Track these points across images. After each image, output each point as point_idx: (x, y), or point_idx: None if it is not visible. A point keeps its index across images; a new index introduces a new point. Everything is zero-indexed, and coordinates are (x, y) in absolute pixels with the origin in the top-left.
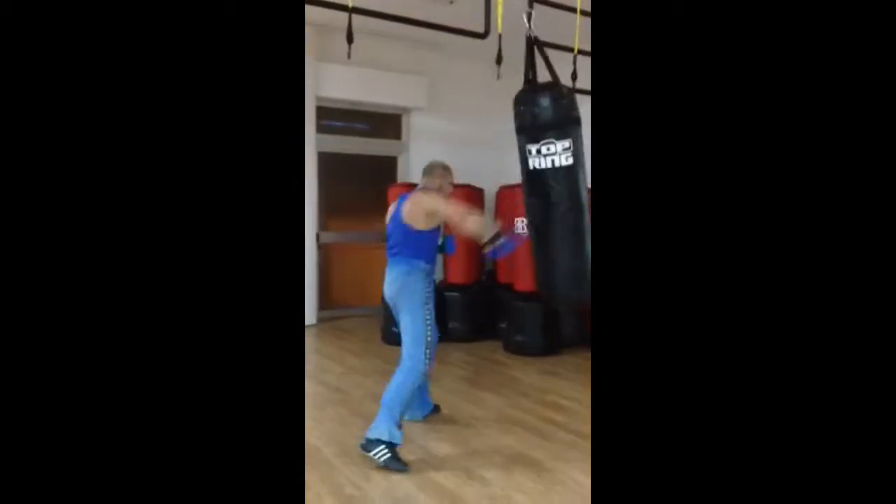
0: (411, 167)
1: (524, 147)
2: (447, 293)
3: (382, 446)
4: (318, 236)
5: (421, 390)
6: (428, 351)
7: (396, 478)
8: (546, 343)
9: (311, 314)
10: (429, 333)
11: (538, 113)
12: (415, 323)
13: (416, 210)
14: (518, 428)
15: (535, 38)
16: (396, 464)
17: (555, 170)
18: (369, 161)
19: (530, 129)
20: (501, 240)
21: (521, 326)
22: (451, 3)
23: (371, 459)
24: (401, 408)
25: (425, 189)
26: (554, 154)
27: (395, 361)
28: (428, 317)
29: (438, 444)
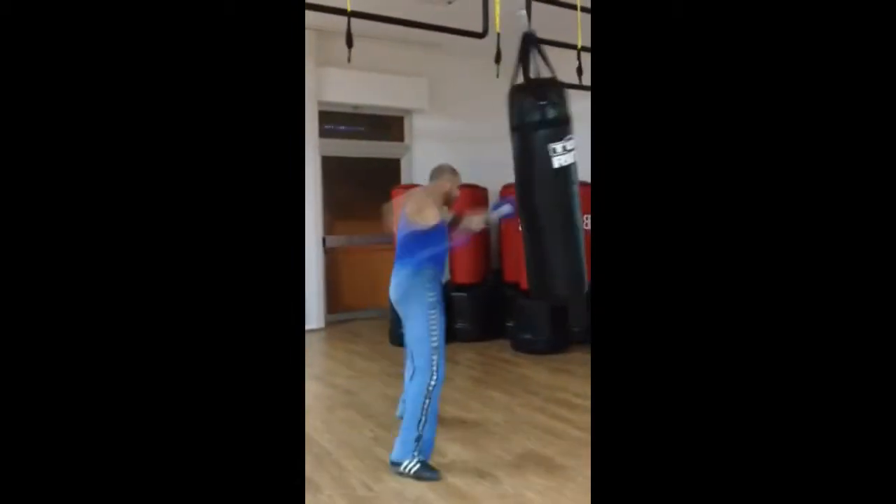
0: (414, 169)
1: (544, 145)
2: (454, 293)
3: (410, 459)
4: (324, 240)
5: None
6: (435, 358)
7: (408, 479)
8: (554, 340)
9: (319, 318)
10: (433, 339)
11: (556, 108)
12: (419, 336)
13: (419, 206)
14: (528, 426)
15: (533, 33)
16: (428, 472)
17: (572, 167)
18: (373, 164)
19: (551, 125)
20: (497, 211)
21: (529, 324)
22: (450, 3)
23: (403, 474)
24: (418, 421)
25: (431, 192)
26: (571, 151)
27: (404, 363)
28: (433, 323)
29: (449, 444)
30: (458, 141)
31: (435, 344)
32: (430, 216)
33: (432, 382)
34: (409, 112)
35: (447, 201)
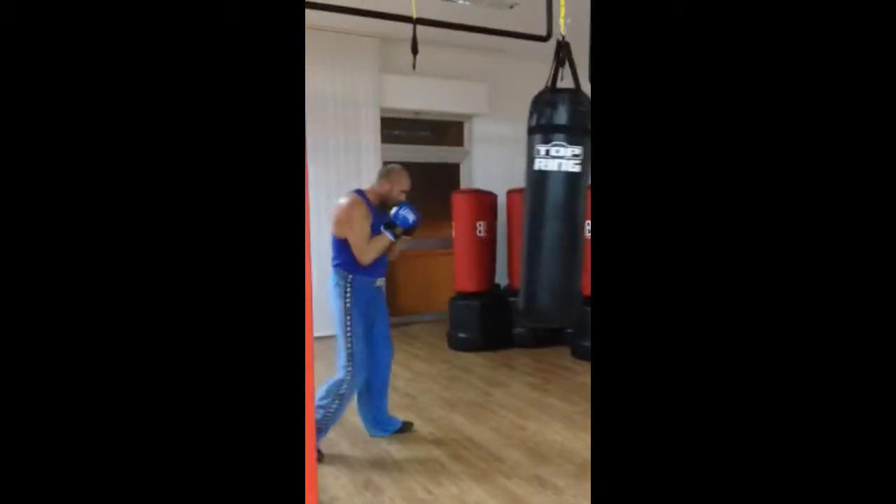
0: (474, 173)
1: (533, 147)
2: (512, 298)
3: None
4: None
5: (378, 408)
6: (351, 365)
7: (467, 484)
8: None
9: None
10: (349, 345)
11: (554, 115)
12: (339, 336)
13: (336, 218)
14: (588, 435)
15: (566, 42)
16: None
17: (560, 174)
18: (432, 168)
19: (544, 130)
20: (393, 213)
21: (589, 331)
22: (511, 7)
23: None
24: (321, 419)
25: (370, 191)
26: (562, 158)
27: (463, 367)
28: (348, 328)
29: (509, 450)
30: (517, 145)
31: (350, 350)
32: (338, 231)
33: (344, 386)
34: (469, 117)
35: (386, 203)
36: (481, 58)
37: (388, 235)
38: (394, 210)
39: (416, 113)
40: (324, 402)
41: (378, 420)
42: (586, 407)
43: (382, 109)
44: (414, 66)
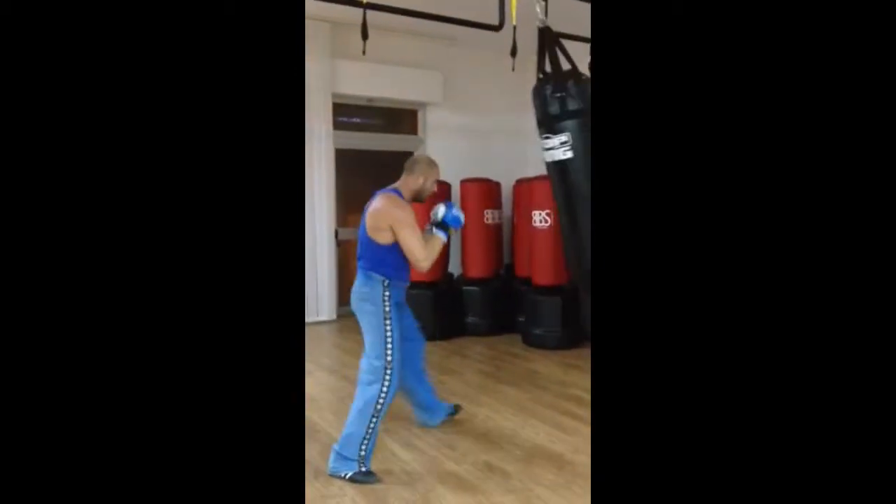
0: None
1: (541, 140)
2: (465, 287)
3: (350, 469)
4: (336, 233)
5: (430, 395)
6: (389, 372)
7: (417, 471)
8: (566, 336)
9: (331, 310)
10: (389, 353)
11: (542, 107)
12: (374, 343)
13: (380, 222)
14: (538, 421)
15: (548, 28)
16: (364, 477)
17: (553, 164)
18: (386, 157)
19: (539, 125)
20: (441, 212)
21: (540, 320)
22: None
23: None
24: (361, 440)
25: (403, 188)
26: (552, 149)
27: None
28: (389, 335)
29: (458, 437)
30: (471, 134)
31: (390, 360)
32: (380, 236)
33: (380, 401)
34: (423, 105)
35: (418, 197)
36: (435, 45)
37: (441, 237)
38: (441, 209)
39: (370, 100)
40: (365, 425)
41: (431, 406)
42: (536, 393)
43: (334, 95)
44: (364, 52)
